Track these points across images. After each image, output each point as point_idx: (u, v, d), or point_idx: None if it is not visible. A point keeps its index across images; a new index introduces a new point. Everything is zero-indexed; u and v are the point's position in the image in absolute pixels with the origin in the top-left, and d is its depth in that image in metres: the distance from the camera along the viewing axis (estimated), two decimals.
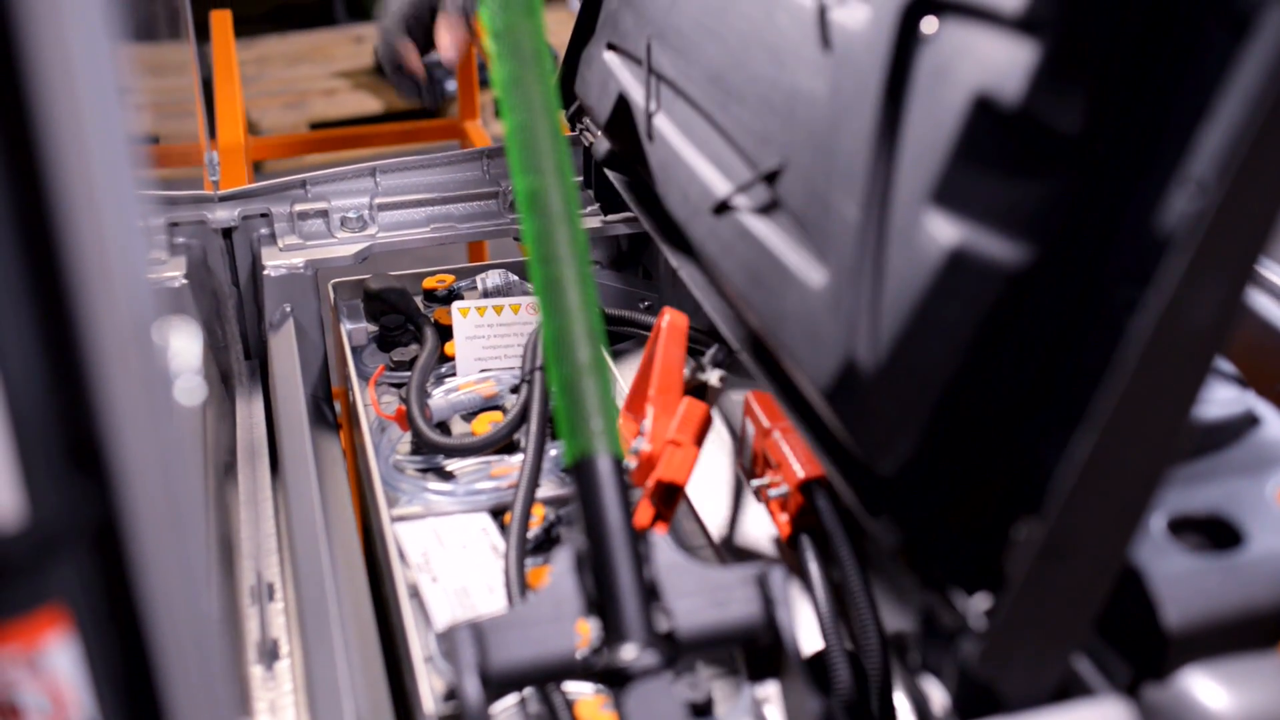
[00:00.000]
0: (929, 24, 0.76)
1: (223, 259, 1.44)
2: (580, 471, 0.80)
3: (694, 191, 1.09)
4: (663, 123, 1.20)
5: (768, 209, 0.94)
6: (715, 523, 1.15)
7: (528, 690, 0.90)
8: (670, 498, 1.04)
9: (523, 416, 1.17)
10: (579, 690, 0.90)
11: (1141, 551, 0.74)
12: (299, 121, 4.59)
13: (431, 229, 1.49)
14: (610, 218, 1.52)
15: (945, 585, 0.74)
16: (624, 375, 1.28)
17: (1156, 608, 0.72)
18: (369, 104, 4.72)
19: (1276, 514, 0.77)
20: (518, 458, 1.14)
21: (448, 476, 1.16)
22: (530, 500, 1.05)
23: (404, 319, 1.38)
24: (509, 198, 1.53)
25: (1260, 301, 1.03)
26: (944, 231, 0.71)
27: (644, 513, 1.02)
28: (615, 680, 0.74)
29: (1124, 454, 0.65)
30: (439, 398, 1.24)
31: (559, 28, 1.61)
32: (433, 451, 1.18)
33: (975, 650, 0.71)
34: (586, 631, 0.76)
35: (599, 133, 1.46)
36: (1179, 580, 0.73)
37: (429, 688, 0.91)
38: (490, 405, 1.25)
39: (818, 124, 0.86)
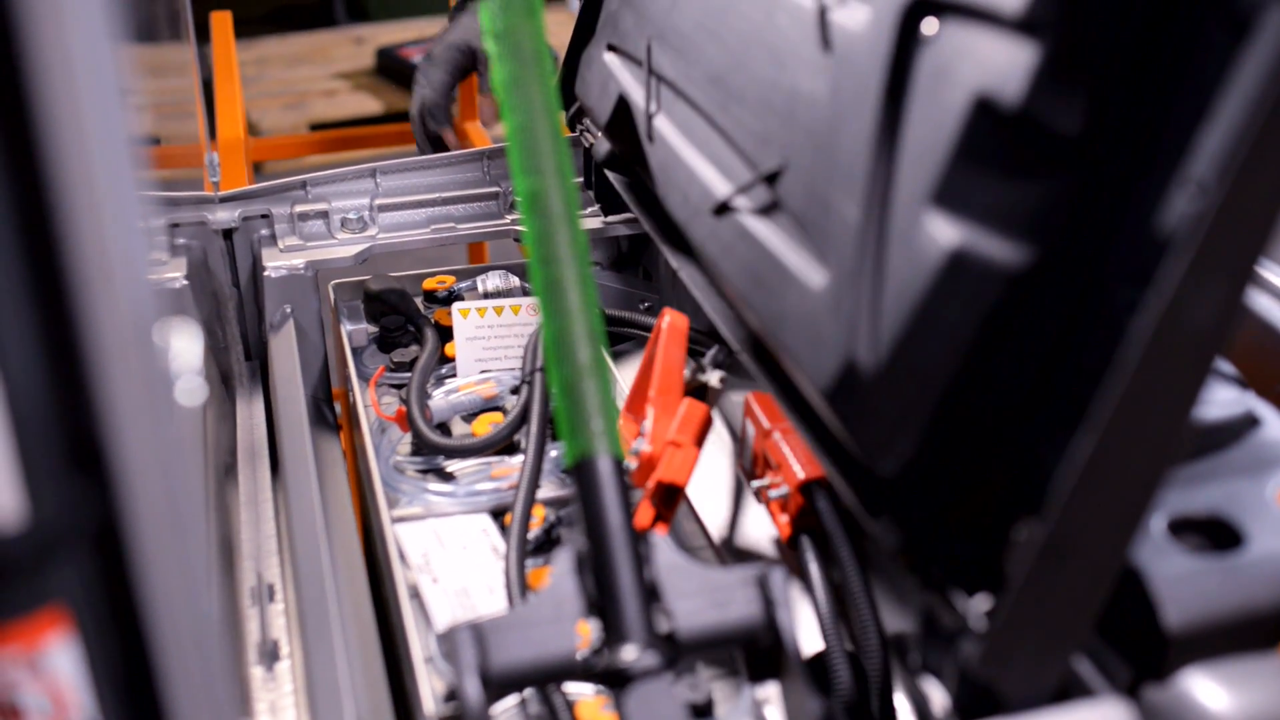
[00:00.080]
0: (929, 25, 0.76)
1: (223, 260, 1.44)
2: (580, 472, 0.80)
3: (694, 192, 1.09)
4: (663, 124, 1.20)
5: (768, 210, 0.94)
6: (715, 524, 1.15)
7: (528, 691, 0.90)
8: (670, 499, 1.04)
9: (523, 417, 1.17)
10: (579, 691, 0.90)
11: (1142, 552, 0.74)
12: (299, 122, 4.59)
13: (432, 230, 1.49)
14: (610, 219, 1.53)
15: (945, 586, 0.74)
16: (624, 376, 1.28)
17: (1157, 608, 0.72)
18: (369, 105, 4.72)
19: (1277, 515, 0.77)
20: (518, 459, 1.14)
21: (448, 477, 1.16)
22: (530, 501, 1.05)
23: (404, 320, 1.38)
24: (509, 199, 1.53)
25: (1260, 302, 1.03)
26: (944, 232, 0.71)
27: (644, 514, 1.02)
28: (616, 681, 0.74)
29: (1124, 455, 0.65)
30: (439, 399, 1.24)
31: (559, 29, 1.61)
32: (433, 452, 1.18)
33: (975, 651, 0.71)
34: (587, 632, 0.76)
35: (599, 134, 1.46)
36: (1179, 581, 0.73)
37: (429, 688, 0.91)
38: (490, 406, 1.25)
39: (818, 125, 0.87)
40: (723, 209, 1.02)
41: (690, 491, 1.09)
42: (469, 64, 1.91)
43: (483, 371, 1.30)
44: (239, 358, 1.43)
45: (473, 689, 0.74)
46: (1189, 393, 0.65)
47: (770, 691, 0.87)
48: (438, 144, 1.88)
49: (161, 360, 0.51)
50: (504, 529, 1.07)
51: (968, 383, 0.72)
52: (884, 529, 0.78)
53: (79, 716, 0.53)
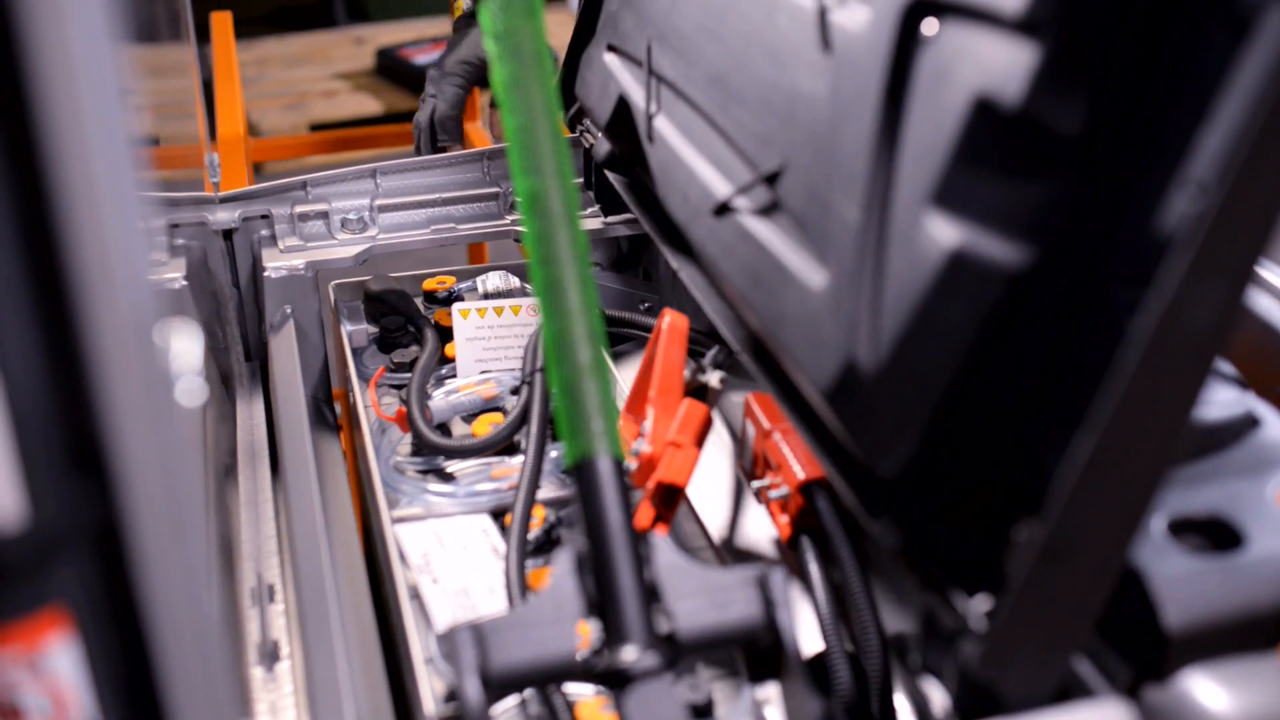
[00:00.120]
0: (929, 25, 0.76)
1: (223, 260, 1.44)
2: (581, 473, 0.80)
3: (694, 193, 1.09)
4: (663, 124, 1.20)
5: (768, 210, 0.94)
6: (716, 524, 1.15)
7: (528, 691, 0.90)
8: (671, 499, 1.04)
9: (523, 418, 1.17)
10: (580, 691, 0.90)
11: (1142, 553, 0.74)
12: (299, 123, 4.59)
13: (432, 230, 1.49)
14: (611, 219, 1.53)
15: (946, 586, 0.74)
16: (624, 377, 1.28)
17: (1157, 609, 0.72)
18: (369, 105, 4.72)
19: (1277, 515, 0.77)
20: (518, 459, 1.14)
21: (448, 478, 1.16)
22: (531, 502, 1.05)
23: (404, 320, 1.38)
24: (509, 199, 1.53)
25: (1260, 303, 1.03)
26: (944, 233, 0.71)
27: (644, 514, 1.02)
28: (616, 681, 0.74)
29: (1124, 455, 0.65)
30: (439, 399, 1.24)
31: (559, 29, 1.62)
32: (433, 453, 1.18)
33: (976, 651, 0.71)
34: (587, 633, 0.76)
35: (599, 134, 1.46)
36: (1179, 581, 0.73)
37: (429, 689, 0.91)
38: (491, 407, 1.25)
39: (818, 125, 0.87)
40: (723, 209, 1.02)
41: (690, 492, 1.09)
42: (480, 78, 1.94)
43: (483, 372, 1.30)
44: (239, 358, 1.43)
45: (473, 689, 0.74)
46: (1189, 393, 0.65)
47: (770, 692, 0.87)
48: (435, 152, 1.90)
49: (161, 361, 0.51)
50: (504, 529, 1.07)
51: (968, 383, 0.72)
52: (884, 529, 0.78)
53: (79, 717, 0.53)
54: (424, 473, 1.17)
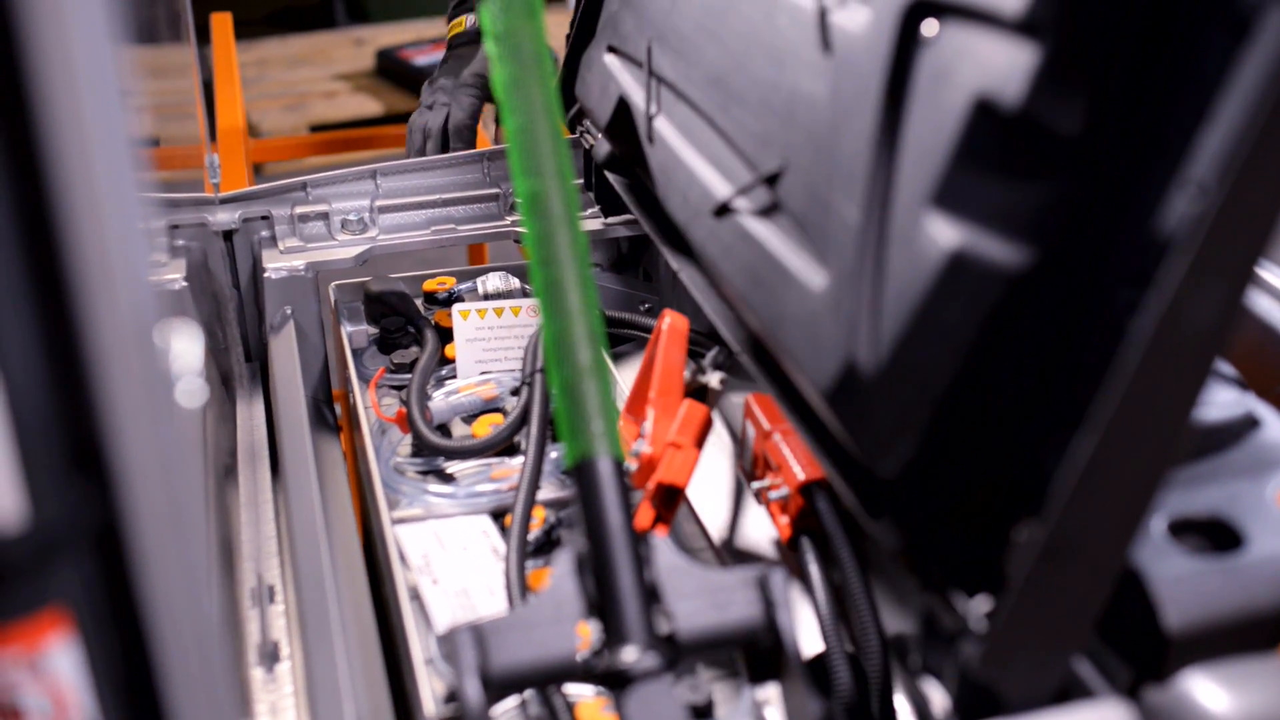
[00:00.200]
0: (929, 26, 0.76)
1: (223, 261, 1.44)
2: (581, 474, 0.80)
3: (694, 194, 1.09)
4: (663, 125, 1.20)
5: (768, 211, 0.94)
6: (716, 525, 1.15)
7: (528, 692, 0.90)
8: (671, 500, 1.04)
9: (523, 419, 1.17)
10: (580, 692, 0.90)
11: (1142, 553, 0.74)
12: (299, 124, 4.58)
13: (432, 231, 1.49)
14: (611, 220, 1.53)
15: (946, 587, 0.74)
16: (624, 378, 1.28)
17: (1157, 610, 0.72)
18: (369, 106, 4.72)
19: (1277, 516, 0.77)
20: (518, 460, 1.14)
21: (448, 479, 1.16)
22: (531, 502, 1.05)
23: (404, 321, 1.38)
24: (509, 200, 1.53)
25: (1260, 304, 1.03)
26: (944, 234, 0.71)
27: (644, 515, 1.02)
28: (616, 682, 0.74)
29: (1124, 456, 0.65)
30: (439, 400, 1.24)
31: (560, 30, 1.62)
32: (433, 454, 1.18)
33: (976, 652, 0.71)
34: (587, 634, 0.76)
35: (599, 135, 1.46)
36: (1179, 582, 0.73)
37: (429, 690, 0.91)
38: (491, 407, 1.25)
39: (818, 126, 0.87)
40: (723, 210, 1.02)
41: (690, 493, 1.09)
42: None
43: (483, 373, 1.30)
44: (239, 359, 1.43)
45: (473, 690, 0.74)
46: (1189, 394, 0.65)
47: (770, 693, 0.87)
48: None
49: (162, 362, 0.51)
50: (504, 530, 1.07)
51: (968, 384, 0.72)
52: (884, 530, 0.78)
53: (79, 717, 0.53)
54: (424, 473, 1.17)
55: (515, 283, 1.43)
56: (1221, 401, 0.84)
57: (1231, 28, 0.63)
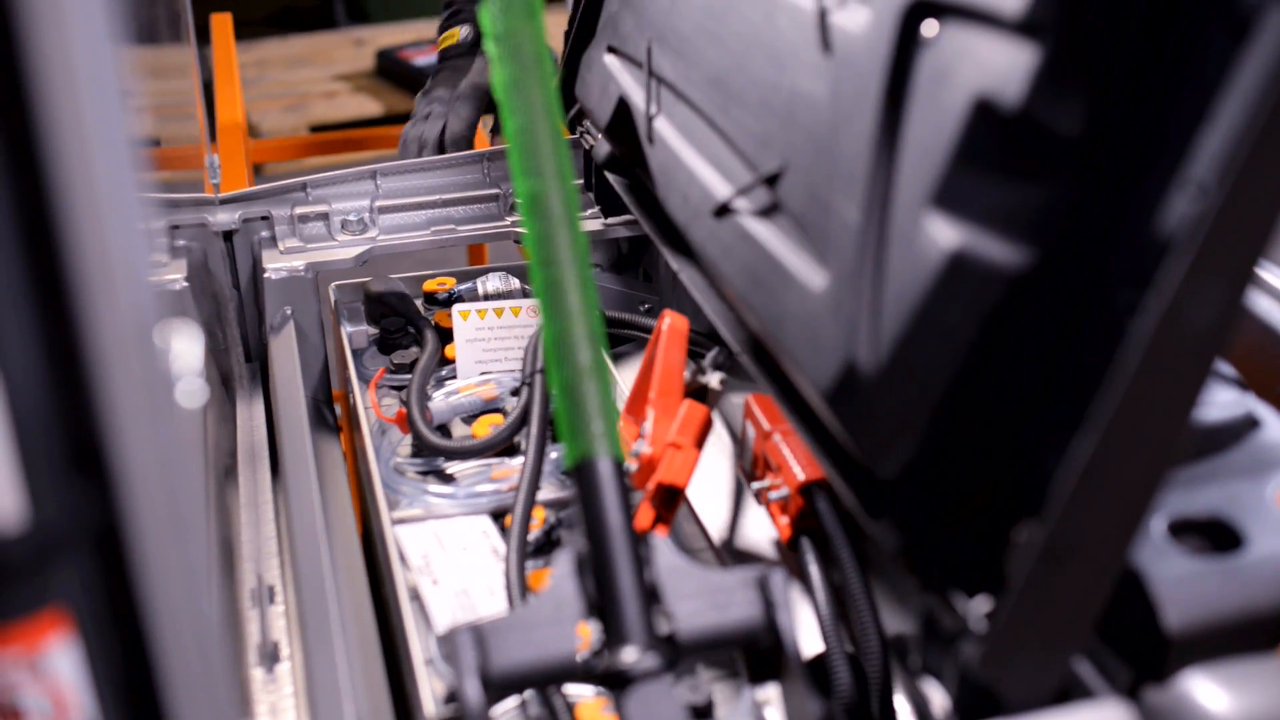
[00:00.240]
0: (929, 27, 0.76)
1: (223, 262, 1.44)
2: (581, 474, 0.80)
3: (694, 194, 1.09)
4: (663, 126, 1.20)
5: (768, 212, 0.94)
6: (716, 525, 1.15)
7: (528, 693, 0.90)
8: (671, 500, 1.04)
9: (523, 419, 1.17)
10: (580, 693, 0.90)
11: (1142, 554, 0.74)
12: (299, 124, 4.58)
13: (432, 232, 1.49)
14: (611, 220, 1.53)
15: (946, 588, 0.74)
16: (624, 378, 1.28)
17: (1157, 610, 0.72)
18: (369, 107, 4.72)
19: (1277, 516, 0.77)
20: (518, 460, 1.14)
21: (448, 479, 1.16)
22: (531, 503, 1.05)
23: (404, 322, 1.38)
24: (509, 200, 1.53)
25: (1260, 304, 1.03)
26: (945, 234, 0.71)
27: (644, 515, 1.02)
28: (616, 683, 0.74)
29: (1125, 457, 0.65)
30: (439, 400, 1.24)
31: (560, 30, 1.62)
32: (433, 454, 1.18)
33: (976, 653, 0.71)
34: (587, 634, 0.76)
35: (599, 136, 1.46)
36: (1179, 583, 0.73)
37: (429, 690, 0.91)
38: (491, 408, 1.25)
39: (818, 127, 0.87)
40: (723, 211, 1.02)
41: (690, 493, 1.09)
42: (492, 104, 1.97)
43: (483, 373, 1.30)
44: (239, 359, 1.43)
45: (473, 691, 0.74)
46: (1189, 394, 0.65)
47: (770, 693, 0.87)
48: None
49: (162, 362, 0.51)
50: (504, 531, 1.07)
51: (968, 385, 0.72)
52: (884, 531, 0.78)
53: (79, 718, 0.53)
54: (424, 474, 1.17)
55: (515, 283, 1.43)
56: (1221, 402, 0.84)
57: (1231, 28, 0.63)
